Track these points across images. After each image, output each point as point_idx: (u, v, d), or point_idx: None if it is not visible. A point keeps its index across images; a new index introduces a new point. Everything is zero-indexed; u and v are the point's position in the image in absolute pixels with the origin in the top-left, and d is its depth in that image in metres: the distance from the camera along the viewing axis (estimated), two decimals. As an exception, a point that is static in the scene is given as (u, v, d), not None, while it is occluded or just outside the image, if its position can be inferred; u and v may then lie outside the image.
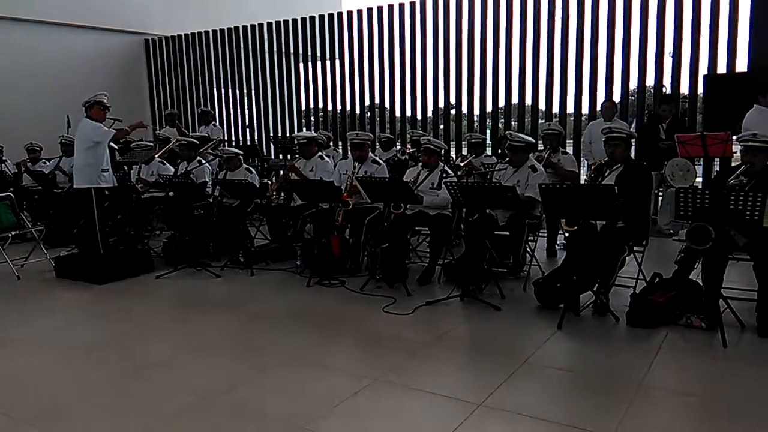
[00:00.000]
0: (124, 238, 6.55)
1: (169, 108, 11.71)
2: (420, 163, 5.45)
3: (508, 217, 4.92)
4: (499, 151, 7.69)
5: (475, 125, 8.99)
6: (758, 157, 3.93)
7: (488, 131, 9.14)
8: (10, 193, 6.29)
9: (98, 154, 5.68)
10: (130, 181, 7.08)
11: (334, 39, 10.18)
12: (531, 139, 5.60)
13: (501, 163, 5.88)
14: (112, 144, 6.25)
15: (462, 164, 6.45)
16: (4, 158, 8.58)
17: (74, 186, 5.88)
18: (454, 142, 9.14)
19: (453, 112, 9.13)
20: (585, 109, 8.10)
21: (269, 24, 10.81)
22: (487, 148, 8.08)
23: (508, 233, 4.87)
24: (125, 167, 7.44)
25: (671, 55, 7.40)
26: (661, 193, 7.08)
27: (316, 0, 13.05)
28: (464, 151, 7.32)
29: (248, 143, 10.78)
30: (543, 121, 8.19)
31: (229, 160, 6.36)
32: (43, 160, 8.43)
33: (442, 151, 5.60)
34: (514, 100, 8.59)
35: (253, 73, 11.16)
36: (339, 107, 10.41)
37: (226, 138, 10.86)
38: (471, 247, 4.83)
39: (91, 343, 4.07)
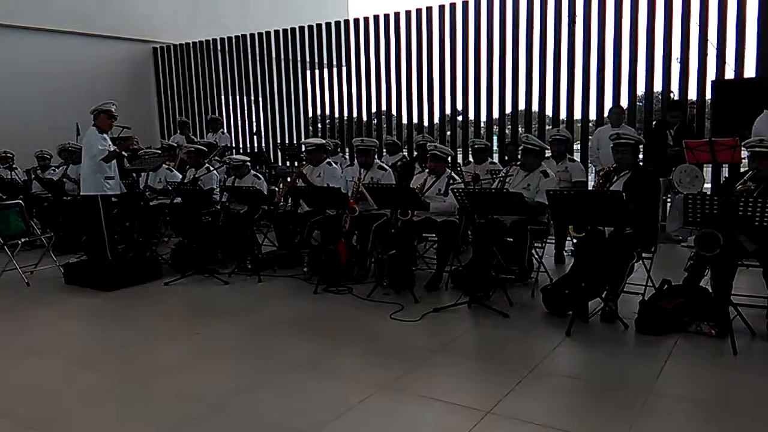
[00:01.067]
0: (133, 245, 6.58)
1: (179, 116, 11.79)
2: (426, 168, 5.45)
3: (510, 224, 4.90)
4: (506, 157, 7.67)
5: (481, 132, 8.97)
6: (765, 162, 3.92)
7: (495, 138, 9.12)
8: (20, 201, 6.33)
9: (103, 163, 5.72)
10: (138, 189, 7.11)
11: (341, 46, 10.23)
12: (545, 145, 5.57)
13: (513, 166, 5.79)
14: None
15: (468, 175, 6.38)
16: (14, 166, 8.65)
17: (81, 193, 5.93)
18: (461, 149, 9.14)
19: (459, 118, 9.13)
20: (592, 115, 8.09)
21: (276, 32, 10.87)
22: (494, 155, 8.05)
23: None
24: (134, 174, 7.48)
25: (679, 60, 7.38)
26: (669, 200, 7.05)
27: (322, 7, 13.16)
28: (470, 158, 7.27)
29: (255, 150, 10.82)
30: (550, 126, 8.17)
31: (237, 168, 6.39)
32: (53, 168, 8.49)
33: (449, 158, 5.59)
34: (521, 106, 8.58)
35: (261, 80, 11.23)
36: (346, 114, 10.44)
37: (233, 145, 10.90)
38: (478, 253, 4.81)
39: (99, 349, 4.10)
